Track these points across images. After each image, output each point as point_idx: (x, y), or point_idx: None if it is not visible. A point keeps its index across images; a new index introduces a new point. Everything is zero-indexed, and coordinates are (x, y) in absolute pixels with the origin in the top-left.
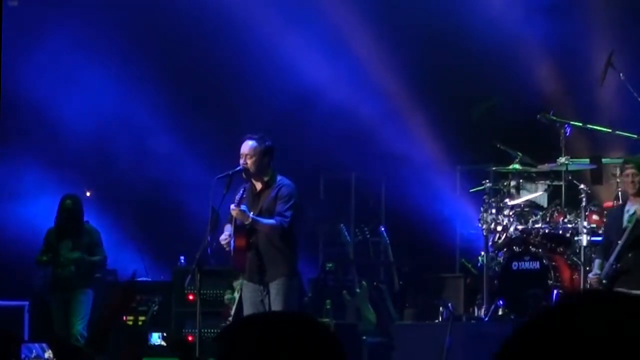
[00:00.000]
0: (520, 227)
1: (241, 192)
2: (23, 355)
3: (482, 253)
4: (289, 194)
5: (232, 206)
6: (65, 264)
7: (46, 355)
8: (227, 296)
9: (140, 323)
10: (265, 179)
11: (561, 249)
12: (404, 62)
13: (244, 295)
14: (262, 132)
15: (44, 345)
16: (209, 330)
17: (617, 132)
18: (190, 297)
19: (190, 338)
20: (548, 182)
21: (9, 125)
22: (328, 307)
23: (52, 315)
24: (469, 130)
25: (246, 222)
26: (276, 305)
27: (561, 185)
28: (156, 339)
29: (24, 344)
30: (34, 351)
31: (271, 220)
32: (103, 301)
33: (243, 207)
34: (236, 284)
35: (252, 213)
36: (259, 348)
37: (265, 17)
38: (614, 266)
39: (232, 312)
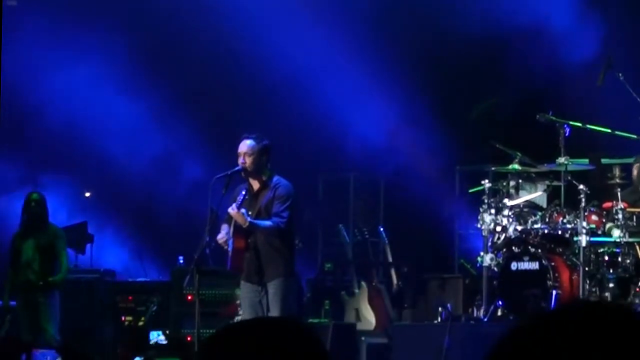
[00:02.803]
0: (519, 227)
1: (243, 194)
2: None
3: (482, 253)
4: (286, 194)
5: (233, 207)
6: (28, 266)
7: None
8: (239, 293)
9: (140, 323)
10: (263, 178)
11: (560, 250)
12: (403, 61)
13: (242, 295)
14: (262, 132)
15: (51, 352)
16: (207, 331)
17: (617, 132)
18: (189, 298)
19: (188, 338)
20: (547, 182)
21: (6, 124)
22: (327, 307)
23: (18, 318)
24: (468, 130)
25: (244, 226)
26: (274, 305)
27: (560, 186)
28: (156, 336)
29: (37, 350)
30: (48, 358)
31: (268, 223)
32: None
33: (243, 210)
34: None
35: (250, 214)
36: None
37: (265, 15)
38: None
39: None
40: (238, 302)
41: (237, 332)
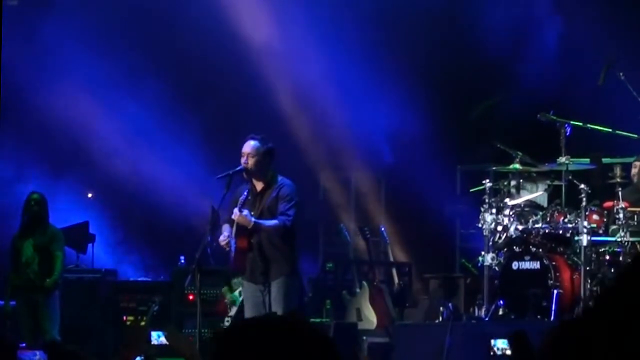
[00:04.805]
0: (520, 227)
1: (245, 194)
2: None
3: (483, 253)
4: (290, 194)
5: (235, 211)
6: (27, 266)
7: None
8: (228, 295)
9: (141, 323)
10: (266, 179)
11: (561, 249)
12: (405, 61)
13: (244, 295)
14: (263, 132)
15: (40, 351)
16: (208, 330)
17: (618, 131)
18: (190, 297)
19: (189, 338)
20: (548, 181)
21: (10, 124)
22: (328, 306)
23: (18, 318)
24: (469, 130)
25: (249, 227)
26: (277, 304)
27: (561, 185)
28: (157, 337)
29: (21, 350)
30: (37, 356)
31: (274, 222)
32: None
33: (245, 212)
34: (235, 281)
35: (252, 215)
36: (256, 353)
37: (267, 16)
38: None
39: (234, 312)
40: (226, 301)
41: (253, 330)
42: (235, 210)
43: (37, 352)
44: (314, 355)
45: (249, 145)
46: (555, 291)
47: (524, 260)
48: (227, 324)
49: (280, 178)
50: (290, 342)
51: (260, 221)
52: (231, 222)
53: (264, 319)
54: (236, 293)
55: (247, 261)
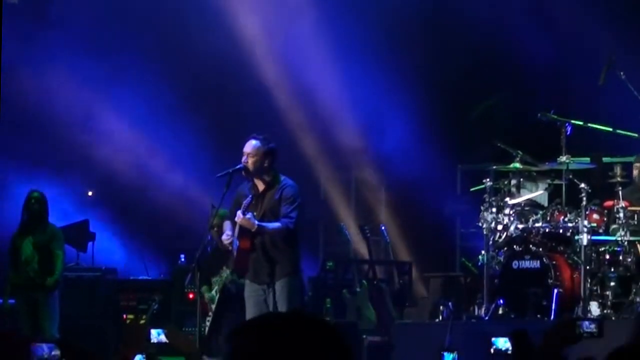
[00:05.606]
0: (520, 226)
1: (250, 198)
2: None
3: (483, 252)
4: (293, 195)
5: (239, 213)
6: (27, 264)
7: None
8: (207, 294)
9: (141, 321)
10: (267, 179)
11: (561, 248)
12: (404, 61)
13: (246, 294)
14: (264, 131)
15: (52, 345)
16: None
17: (618, 131)
18: (190, 296)
19: (189, 337)
20: (548, 181)
21: (8, 121)
22: (328, 305)
23: (18, 316)
24: (469, 130)
25: (252, 230)
26: (280, 303)
27: (562, 184)
28: (157, 335)
29: (35, 345)
30: (45, 350)
31: (277, 224)
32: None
33: (249, 215)
34: (214, 280)
35: (254, 215)
36: (276, 349)
37: (268, 17)
38: None
39: (213, 310)
40: (206, 300)
41: (273, 327)
42: (239, 212)
43: (46, 346)
44: (330, 353)
45: (250, 145)
46: (555, 290)
47: (524, 260)
48: (207, 323)
49: (283, 178)
50: (312, 340)
51: (264, 224)
52: (234, 222)
53: (275, 315)
54: (213, 292)
55: (250, 262)
